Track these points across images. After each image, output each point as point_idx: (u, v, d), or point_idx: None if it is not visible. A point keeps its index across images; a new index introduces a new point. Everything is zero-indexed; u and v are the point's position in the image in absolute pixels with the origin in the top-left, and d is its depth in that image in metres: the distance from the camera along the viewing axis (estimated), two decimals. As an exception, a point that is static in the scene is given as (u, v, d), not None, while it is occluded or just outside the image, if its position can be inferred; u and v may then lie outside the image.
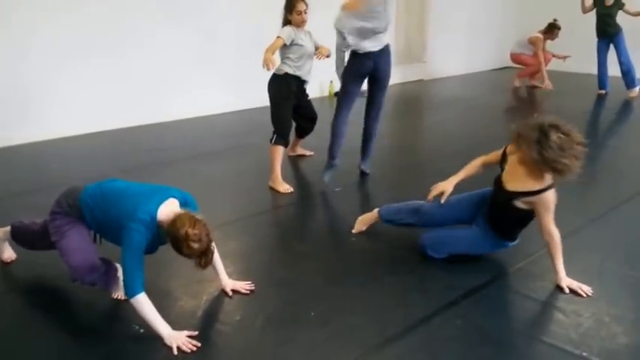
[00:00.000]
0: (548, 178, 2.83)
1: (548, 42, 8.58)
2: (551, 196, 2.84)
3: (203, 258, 2.41)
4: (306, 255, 3.28)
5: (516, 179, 2.89)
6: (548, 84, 8.32)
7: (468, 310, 2.65)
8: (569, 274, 2.98)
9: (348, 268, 3.12)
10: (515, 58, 8.80)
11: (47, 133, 5.73)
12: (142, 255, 2.39)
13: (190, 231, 2.30)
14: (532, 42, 8.43)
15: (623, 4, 7.86)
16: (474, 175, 3.22)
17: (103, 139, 5.89)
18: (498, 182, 3.00)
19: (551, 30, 8.41)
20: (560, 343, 2.41)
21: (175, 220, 2.34)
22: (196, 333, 2.43)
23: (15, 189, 4.34)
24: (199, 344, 2.36)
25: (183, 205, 2.53)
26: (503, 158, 3.04)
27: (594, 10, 8.04)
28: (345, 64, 4.34)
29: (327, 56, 4.57)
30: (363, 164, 4.62)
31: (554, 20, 8.47)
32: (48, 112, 5.75)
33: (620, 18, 7.94)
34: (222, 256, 3.22)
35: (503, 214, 3.00)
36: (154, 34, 6.30)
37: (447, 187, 3.22)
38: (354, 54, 4.24)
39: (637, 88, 7.93)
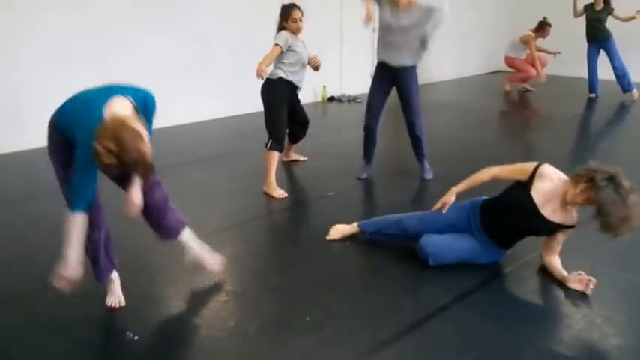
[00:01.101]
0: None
1: (540, 40, 8.59)
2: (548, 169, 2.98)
3: (135, 170, 2.28)
4: (300, 260, 3.30)
5: (554, 207, 2.89)
6: (542, 75, 8.39)
7: (460, 314, 2.68)
8: (560, 276, 3.02)
9: (341, 273, 3.14)
10: (509, 62, 8.84)
11: (41, 141, 5.70)
12: (93, 170, 2.22)
13: (100, 146, 2.05)
14: (524, 41, 8.47)
15: (612, 9, 7.93)
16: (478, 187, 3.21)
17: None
18: (526, 201, 2.93)
19: (542, 27, 8.46)
20: (553, 345, 2.43)
21: (97, 129, 2.08)
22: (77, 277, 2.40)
23: (9, 197, 4.34)
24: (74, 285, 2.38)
25: (141, 106, 2.37)
26: (532, 176, 2.98)
27: (585, 15, 8.12)
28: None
29: (316, 68, 4.58)
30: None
31: (544, 18, 8.51)
32: (41, 119, 5.70)
33: (612, 24, 8.00)
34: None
35: (519, 228, 3.00)
36: (145, 40, 6.31)
37: (448, 199, 3.25)
38: None
39: (635, 91, 7.96)
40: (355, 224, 3.51)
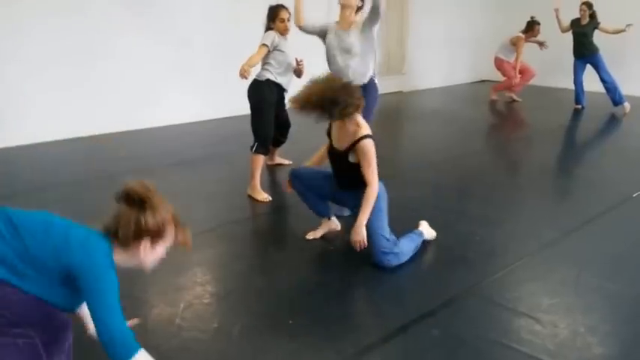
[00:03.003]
0: (364, 130, 3.18)
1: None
2: (367, 144, 3.14)
3: None
4: (284, 264, 3.26)
5: (341, 140, 3.24)
6: (517, 79, 8.54)
7: (444, 320, 2.65)
8: (546, 284, 3.02)
9: (325, 277, 3.11)
10: (498, 64, 8.82)
11: (21, 139, 5.64)
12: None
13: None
14: (514, 43, 8.52)
15: (598, 23, 7.97)
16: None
17: (78, 145, 5.82)
18: (332, 151, 3.34)
19: (532, 27, 8.51)
20: (537, 353, 2.42)
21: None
22: None
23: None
24: None
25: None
26: (329, 133, 3.39)
27: (571, 30, 8.18)
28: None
29: (299, 75, 4.55)
30: None
31: (532, 17, 8.55)
32: (23, 118, 5.67)
33: (601, 36, 8.05)
34: (199, 264, 3.21)
35: (348, 175, 3.29)
36: (129, 43, 6.29)
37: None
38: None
39: (626, 104, 7.99)
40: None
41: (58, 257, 1.68)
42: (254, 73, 4.35)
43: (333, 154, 3.36)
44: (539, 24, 8.48)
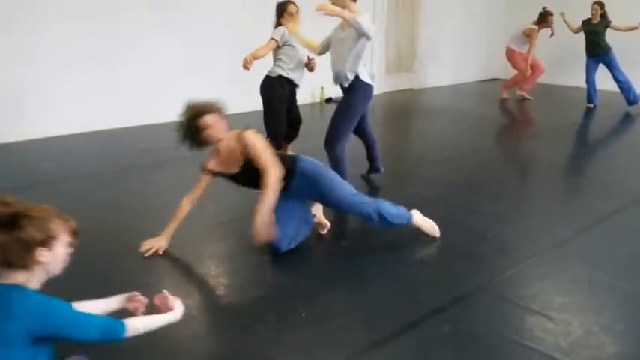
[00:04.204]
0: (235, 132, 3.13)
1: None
2: (248, 136, 3.03)
3: None
4: (296, 257, 3.26)
5: (230, 160, 3.13)
6: (527, 71, 8.47)
7: (456, 316, 2.65)
8: (558, 282, 3.00)
9: (337, 271, 3.11)
10: (509, 54, 8.69)
11: (41, 132, 5.69)
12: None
13: None
14: (527, 34, 8.40)
15: (609, 22, 7.93)
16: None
17: (97, 138, 5.87)
18: (235, 178, 3.23)
19: (544, 18, 8.40)
20: (550, 351, 2.41)
21: None
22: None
23: (6, 186, 4.28)
24: None
25: None
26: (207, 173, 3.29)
27: (583, 30, 8.13)
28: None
29: (311, 69, 4.56)
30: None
31: (544, 8, 8.45)
32: (43, 111, 5.73)
33: (614, 34, 7.99)
34: (212, 257, 3.23)
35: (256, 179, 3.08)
36: (147, 40, 6.33)
37: (160, 243, 3.17)
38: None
39: None
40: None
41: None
42: (266, 69, 4.37)
43: (237, 178, 3.23)
44: (551, 14, 8.38)
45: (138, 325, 1.84)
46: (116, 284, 2.83)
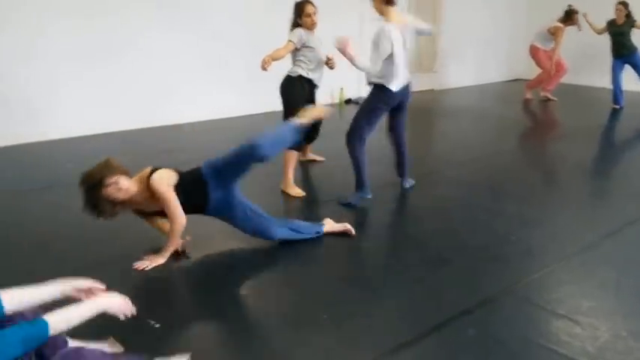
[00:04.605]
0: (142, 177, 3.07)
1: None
2: (154, 182, 3.00)
3: None
4: (318, 258, 3.26)
5: (149, 201, 3.05)
6: (552, 70, 8.32)
7: (481, 320, 2.62)
8: (585, 287, 2.95)
9: (360, 272, 3.10)
10: (533, 52, 8.54)
11: (58, 132, 5.75)
12: None
13: None
14: (553, 32, 8.25)
15: (634, 21, 7.80)
16: None
17: (116, 139, 5.91)
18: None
19: (570, 16, 8.23)
20: (576, 356, 2.36)
21: None
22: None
23: (27, 186, 4.34)
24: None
25: None
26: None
27: (608, 31, 7.99)
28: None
29: (332, 67, 4.56)
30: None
31: (569, 6, 8.29)
32: (59, 111, 5.79)
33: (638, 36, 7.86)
34: (233, 259, 3.23)
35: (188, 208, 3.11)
36: (164, 39, 6.37)
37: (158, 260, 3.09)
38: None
39: None
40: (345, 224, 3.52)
41: None
42: (284, 69, 4.36)
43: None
44: (577, 12, 8.23)
45: (60, 323, 1.72)
46: (133, 286, 2.87)
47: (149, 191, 2.98)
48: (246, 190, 4.40)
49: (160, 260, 3.02)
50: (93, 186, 2.83)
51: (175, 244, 3.09)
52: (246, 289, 2.89)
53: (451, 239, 3.51)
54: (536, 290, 2.93)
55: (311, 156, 5.15)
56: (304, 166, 5.01)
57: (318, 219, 4.04)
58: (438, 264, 3.15)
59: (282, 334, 2.48)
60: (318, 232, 3.44)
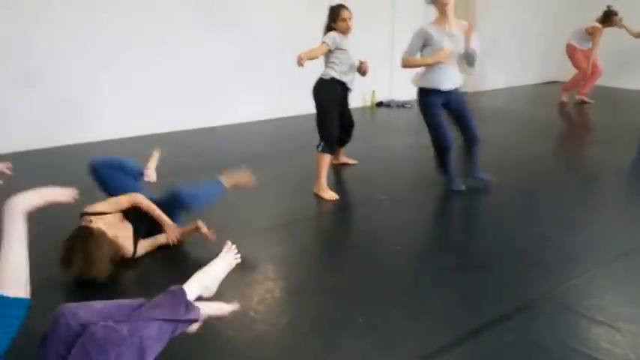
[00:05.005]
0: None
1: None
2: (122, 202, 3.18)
3: None
4: (352, 262, 3.26)
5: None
6: (588, 71, 8.16)
7: (519, 325, 2.58)
8: (626, 293, 2.89)
9: (395, 276, 3.09)
10: (570, 51, 8.38)
11: (95, 135, 5.88)
12: None
13: None
14: (590, 32, 8.07)
15: None
16: None
17: (150, 142, 5.99)
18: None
19: (609, 17, 8.06)
20: (618, 364, 2.32)
21: None
22: None
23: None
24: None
25: None
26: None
27: None
28: None
29: (364, 73, 4.57)
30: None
31: (609, 7, 8.12)
32: (97, 113, 5.91)
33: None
34: (269, 260, 3.26)
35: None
36: (200, 42, 6.45)
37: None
38: None
39: None
40: None
41: None
42: (317, 72, 4.39)
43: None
44: (616, 14, 8.06)
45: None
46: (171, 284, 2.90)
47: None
48: (280, 194, 4.47)
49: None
50: (93, 239, 2.88)
51: (168, 223, 3.25)
52: (279, 292, 2.91)
53: (488, 244, 3.48)
54: (576, 296, 2.89)
55: (343, 159, 5.16)
56: (337, 169, 5.02)
57: (351, 222, 4.07)
58: (474, 268, 3.13)
59: (317, 337, 2.49)
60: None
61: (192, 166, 5.08)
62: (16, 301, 1.71)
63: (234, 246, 2.28)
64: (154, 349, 1.85)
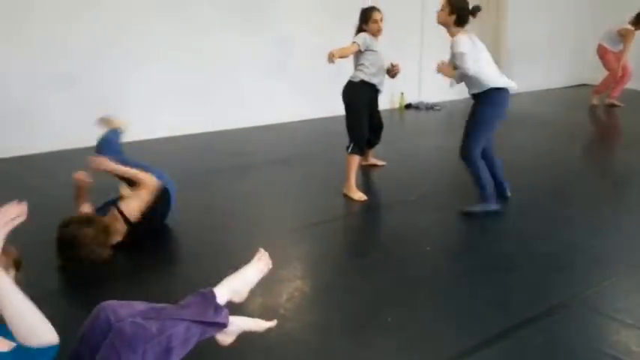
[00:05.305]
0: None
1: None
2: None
3: None
4: (381, 262, 3.29)
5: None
6: (618, 73, 8.05)
7: (548, 328, 2.59)
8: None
9: (422, 276, 3.11)
10: (601, 52, 8.25)
11: (130, 135, 5.98)
12: None
13: None
14: (622, 34, 7.93)
15: None
16: None
17: (184, 142, 6.13)
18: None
19: None
20: (648, 368, 2.32)
21: None
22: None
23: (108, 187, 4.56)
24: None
25: None
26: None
27: None
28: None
29: (394, 75, 4.60)
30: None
31: None
32: (130, 112, 6.02)
33: None
34: (299, 259, 3.32)
35: None
36: (233, 43, 6.53)
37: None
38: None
39: None
40: None
41: None
42: (347, 74, 4.43)
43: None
44: None
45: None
46: (202, 284, 2.98)
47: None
48: (310, 194, 4.52)
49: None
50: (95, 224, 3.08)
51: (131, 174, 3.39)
52: (308, 290, 2.96)
53: (516, 246, 3.48)
54: (605, 299, 2.88)
55: (372, 160, 5.19)
56: (365, 170, 5.05)
57: (380, 222, 4.10)
58: (502, 270, 3.14)
59: (346, 336, 2.53)
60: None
61: (224, 166, 5.17)
62: (40, 350, 1.57)
63: (266, 253, 2.28)
64: (180, 351, 1.82)
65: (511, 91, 3.99)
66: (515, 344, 2.48)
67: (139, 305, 1.94)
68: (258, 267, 2.24)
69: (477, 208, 3.99)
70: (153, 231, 3.53)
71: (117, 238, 3.24)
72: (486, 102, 3.91)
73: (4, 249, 1.54)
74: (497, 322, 2.63)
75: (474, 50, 3.85)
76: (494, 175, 4.16)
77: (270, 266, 2.28)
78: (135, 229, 3.30)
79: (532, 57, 9.79)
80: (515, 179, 4.73)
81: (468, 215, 3.95)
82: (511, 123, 7.62)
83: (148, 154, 5.68)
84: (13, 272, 1.61)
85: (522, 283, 3.03)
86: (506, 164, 5.50)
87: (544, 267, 3.20)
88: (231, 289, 2.10)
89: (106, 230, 3.09)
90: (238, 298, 2.15)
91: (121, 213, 3.24)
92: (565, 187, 4.71)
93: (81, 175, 3.46)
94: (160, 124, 6.21)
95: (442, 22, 3.92)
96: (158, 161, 5.42)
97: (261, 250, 2.26)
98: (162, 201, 3.48)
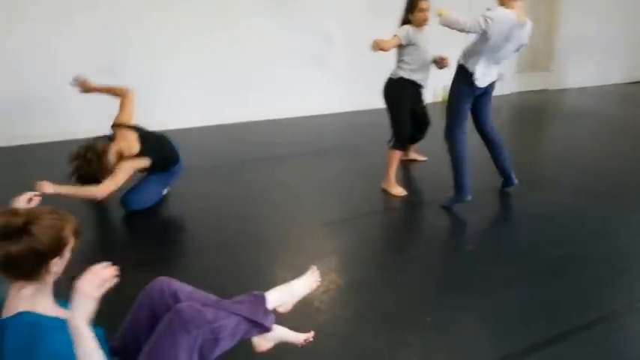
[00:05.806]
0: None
1: None
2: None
3: None
4: (421, 259, 3.15)
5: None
6: None
7: (602, 337, 2.40)
8: None
9: (465, 276, 2.96)
10: None
11: (171, 124, 5.98)
12: None
13: None
14: None
15: None
16: None
17: (218, 132, 6.11)
18: None
19: None
20: None
21: None
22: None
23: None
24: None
25: None
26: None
27: None
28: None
29: (442, 67, 4.42)
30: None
31: None
32: (172, 105, 6.04)
33: None
34: (334, 252, 3.20)
35: None
36: (273, 36, 6.49)
37: None
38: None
39: None
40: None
41: None
42: (387, 69, 4.29)
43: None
44: None
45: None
46: (233, 275, 2.90)
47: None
48: (349, 188, 4.40)
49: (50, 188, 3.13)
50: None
51: (72, 193, 3.35)
52: (343, 284, 2.85)
53: (566, 250, 3.27)
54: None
55: (413, 155, 5.03)
56: (405, 165, 4.90)
57: (419, 218, 3.95)
58: (552, 274, 2.94)
59: (381, 332, 2.43)
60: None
61: (259, 157, 5.11)
62: None
63: (317, 271, 2.27)
64: (225, 343, 1.86)
65: (477, 85, 3.86)
66: (565, 352, 2.31)
67: (188, 287, 1.99)
68: (307, 282, 2.26)
69: (450, 203, 3.89)
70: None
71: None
72: (455, 76, 3.92)
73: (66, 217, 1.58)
74: (543, 328, 2.46)
75: (503, 32, 3.66)
76: (497, 163, 4.17)
77: (319, 283, 2.28)
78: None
79: (588, 53, 9.41)
80: (566, 179, 4.51)
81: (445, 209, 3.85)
82: (563, 120, 7.35)
83: (183, 141, 5.67)
84: (73, 241, 1.61)
85: (574, 287, 2.83)
86: (557, 163, 5.29)
87: (597, 272, 3.00)
88: (279, 297, 2.14)
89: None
90: (283, 309, 2.19)
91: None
92: (620, 188, 4.44)
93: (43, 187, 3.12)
94: (203, 114, 6.21)
95: None
96: (195, 149, 5.43)
97: (314, 268, 2.28)
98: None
